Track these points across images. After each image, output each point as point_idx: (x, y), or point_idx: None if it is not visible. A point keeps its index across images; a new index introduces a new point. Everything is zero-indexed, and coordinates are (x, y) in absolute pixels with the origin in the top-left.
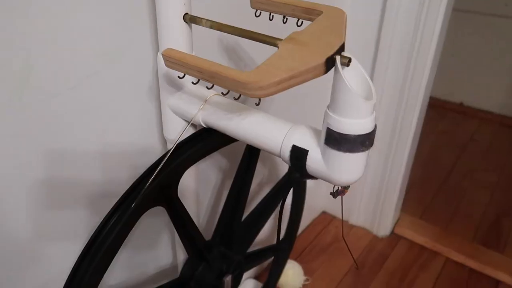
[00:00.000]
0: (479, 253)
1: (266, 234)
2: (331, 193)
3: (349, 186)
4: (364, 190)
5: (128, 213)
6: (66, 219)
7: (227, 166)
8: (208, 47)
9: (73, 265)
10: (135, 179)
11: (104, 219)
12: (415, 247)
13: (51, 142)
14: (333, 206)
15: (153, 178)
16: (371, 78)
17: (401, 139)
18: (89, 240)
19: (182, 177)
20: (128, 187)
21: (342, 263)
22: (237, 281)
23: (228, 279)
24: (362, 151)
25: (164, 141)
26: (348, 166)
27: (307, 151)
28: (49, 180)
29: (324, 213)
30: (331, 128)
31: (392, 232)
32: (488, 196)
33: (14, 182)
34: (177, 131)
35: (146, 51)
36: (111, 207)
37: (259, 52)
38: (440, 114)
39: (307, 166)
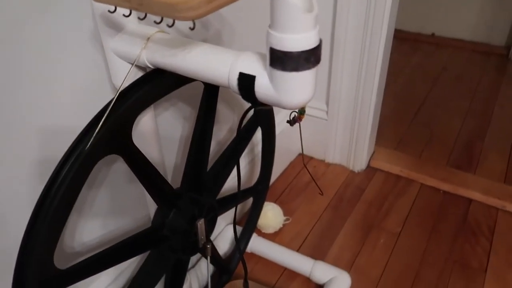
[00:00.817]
0: (452, 176)
1: (245, 178)
2: (288, 121)
3: (304, 112)
4: (337, 128)
5: (79, 162)
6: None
7: (192, 113)
8: None
9: (28, 220)
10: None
11: (55, 169)
12: (391, 177)
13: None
14: (309, 147)
15: (101, 125)
16: (335, 6)
17: (368, 74)
18: (42, 192)
19: (140, 125)
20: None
21: (321, 201)
22: (211, 224)
23: (201, 222)
24: (308, 68)
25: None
26: (295, 87)
27: (254, 76)
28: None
29: (301, 154)
30: (273, 47)
31: (368, 166)
32: (460, 122)
33: None
34: (124, 76)
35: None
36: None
37: None
38: (413, 47)
39: (256, 93)
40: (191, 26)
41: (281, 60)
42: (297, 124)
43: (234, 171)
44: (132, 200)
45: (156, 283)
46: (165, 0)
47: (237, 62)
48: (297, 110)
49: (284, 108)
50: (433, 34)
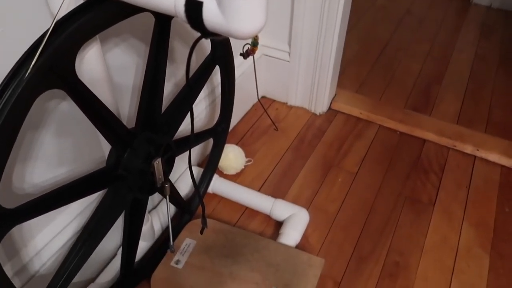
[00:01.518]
0: (409, 118)
1: (206, 120)
2: (241, 54)
3: (257, 44)
4: (299, 70)
5: (16, 96)
6: None
7: (146, 50)
8: None
9: None
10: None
11: None
12: (351, 120)
13: None
14: (272, 90)
15: (38, 57)
16: None
17: (331, 15)
18: None
19: (87, 60)
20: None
21: (283, 143)
22: (170, 163)
23: (157, 162)
24: None
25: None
26: (244, 12)
27: (202, 3)
28: None
29: (263, 97)
30: None
31: (329, 108)
32: (420, 65)
33: None
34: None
35: None
36: None
37: None
38: None
39: (204, 21)
40: None
41: None
42: (253, 63)
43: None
44: (86, 141)
45: (114, 221)
46: None
47: None
48: (249, 42)
49: (235, 37)
50: None
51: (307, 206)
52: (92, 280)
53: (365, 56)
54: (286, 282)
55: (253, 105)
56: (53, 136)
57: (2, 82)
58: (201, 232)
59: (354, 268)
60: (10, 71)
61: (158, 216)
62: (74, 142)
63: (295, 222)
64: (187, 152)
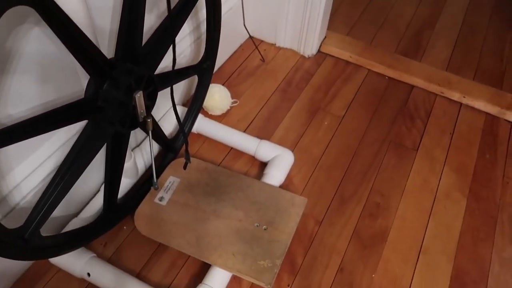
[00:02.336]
0: (398, 63)
1: (191, 57)
2: None
3: None
4: (289, 9)
5: None
6: None
7: None
8: None
9: None
10: None
11: None
12: (340, 63)
13: None
14: (260, 30)
15: None
16: None
17: None
18: None
19: None
20: None
21: (270, 84)
22: (152, 97)
23: (139, 95)
24: None
25: None
26: None
27: None
28: None
29: (251, 38)
30: None
31: (319, 51)
32: (414, 9)
33: None
34: None
35: None
36: None
37: None
38: None
39: None
40: None
41: None
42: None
43: (179, 47)
44: (63, 74)
45: (94, 154)
46: None
47: None
48: None
49: None
50: None
51: (292, 148)
52: (75, 215)
53: None
54: (269, 219)
55: (241, 45)
56: (27, 63)
57: None
58: (185, 167)
59: (336, 208)
60: None
61: (141, 154)
62: (50, 74)
63: (279, 163)
64: (171, 91)
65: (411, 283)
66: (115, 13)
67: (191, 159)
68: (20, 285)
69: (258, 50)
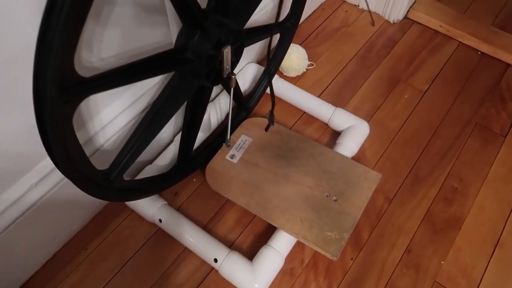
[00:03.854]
0: (495, 37)
1: (272, 14)
2: None
3: None
4: None
5: None
6: None
7: None
8: None
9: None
10: None
11: None
12: (428, 32)
13: None
14: None
15: None
16: None
17: None
18: None
19: None
20: None
21: (349, 48)
22: (237, 53)
23: (227, 50)
24: None
25: None
26: None
27: None
28: None
29: None
30: None
31: (405, 17)
32: None
33: None
34: None
35: None
36: None
37: None
38: None
39: None
40: None
41: None
42: None
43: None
44: (154, 22)
45: (177, 108)
46: None
47: None
48: None
49: None
50: None
51: (367, 119)
52: (150, 162)
53: None
54: (340, 191)
55: (321, 4)
56: (121, 11)
57: None
58: (266, 129)
59: (409, 188)
60: None
61: (215, 109)
62: (142, 19)
63: (354, 133)
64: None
65: (482, 276)
66: None
67: (262, 120)
68: (97, 220)
69: (371, 14)
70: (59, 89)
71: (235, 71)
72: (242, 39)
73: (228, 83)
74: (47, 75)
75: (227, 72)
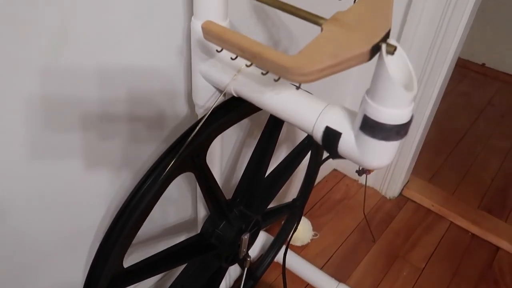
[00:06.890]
0: (483, 220)
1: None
2: (356, 171)
3: None
4: None
5: (159, 182)
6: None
7: (249, 127)
8: (242, 14)
9: (106, 230)
10: (168, 146)
11: (135, 187)
12: (422, 210)
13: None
14: (344, 164)
15: (185, 147)
16: (400, 33)
17: (422, 102)
18: (121, 207)
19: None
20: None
21: (350, 220)
22: (254, 237)
23: (246, 237)
24: (397, 140)
25: (190, 104)
26: (380, 153)
27: (340, 133)
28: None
29: (335, 170)
30: (368, 115)
31: (400, 194)
32: (499, 163)
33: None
34: (207, 97)
35: (176, 15)
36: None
37: (298, 27)
38: (461, 74)
39: (338, 148)
40: (297, 85)
41: (373, 128)
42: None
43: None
44: (183, 202)
45: (200, 285)
46: (280, 61)
47: (326, 115)
48: None
49: (362, 166)
50: (483, 64)
51: None
52: None
53: (442, 143)
54: None
55: (325, 177)
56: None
57: (151, 166)
58: None
59: None
60: (161, 156)
61: (224, 278)
62: (171, 200)
63: None
64: None
65: None
66: (229, 160)
67: None
68: None
69: (370, 230)
70: (110, 281)
71: None
72: (259, 225)
73: (244, 263)
74: (103, 269)
75: (243, 255)
